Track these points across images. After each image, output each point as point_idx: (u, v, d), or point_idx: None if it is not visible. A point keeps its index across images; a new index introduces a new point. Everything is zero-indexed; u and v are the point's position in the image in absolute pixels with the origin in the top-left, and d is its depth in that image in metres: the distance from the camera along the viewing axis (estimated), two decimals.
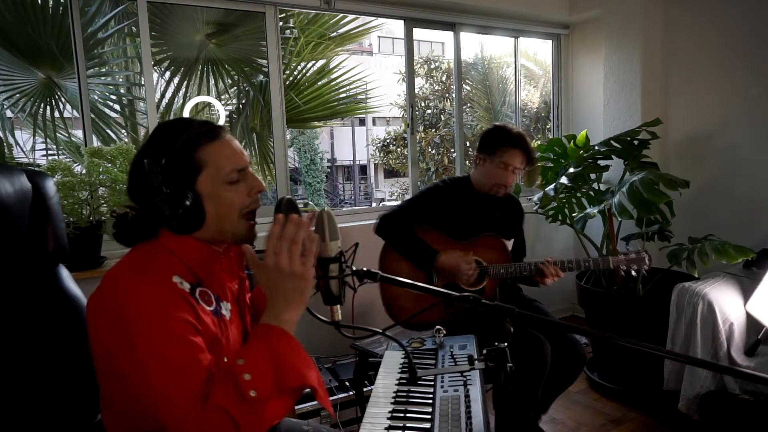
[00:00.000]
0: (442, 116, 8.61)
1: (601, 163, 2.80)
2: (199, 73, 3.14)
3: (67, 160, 2.28)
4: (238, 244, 1.02)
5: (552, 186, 2.92)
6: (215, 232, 0.98)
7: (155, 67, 2.89)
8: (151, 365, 0.83)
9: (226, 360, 0.97)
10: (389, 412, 1.06)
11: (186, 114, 2.65)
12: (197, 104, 2.86)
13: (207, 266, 0.98)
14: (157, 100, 2.70)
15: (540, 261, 1.99)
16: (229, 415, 0.79)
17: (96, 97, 2.77)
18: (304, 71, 3.62)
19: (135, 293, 0.86)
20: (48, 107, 2.63)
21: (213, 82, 3.21)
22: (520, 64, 3.97)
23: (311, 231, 0.90)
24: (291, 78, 3.56)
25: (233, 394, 0.80)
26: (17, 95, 2.55)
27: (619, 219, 2.50)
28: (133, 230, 0.96)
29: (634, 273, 2.02)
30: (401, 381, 1.21)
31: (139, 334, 0.84)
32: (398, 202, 2.60)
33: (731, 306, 2.13)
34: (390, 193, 12.29)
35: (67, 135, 2.74)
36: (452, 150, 7.75)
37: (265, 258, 0.88)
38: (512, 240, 2.19)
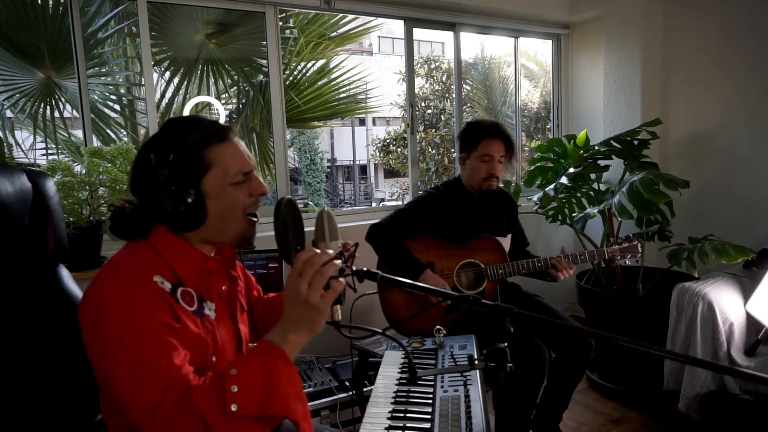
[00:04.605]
0: (442, 116, 8.61)
1: (601, 163, 2.80)
2: (199, 73, 3.14)
3: (67, 160, 2.28)
4: (239, 242, 1.03)
5: (552, 186, 2.92)
6: (215, 232, 0.99)
7: (155, 67, 2.89)
8: (122, 362, 0.84)
9: (214, 359, 0.98)
10: (389, 412, 1.06)
11: (186, 114, 2.67)
12: (197, 104, 2.86)
13: (191, 267, 0.98)
14: (157, 100, 2.70)
15: (552, 256, 2.01)
16: (204, 420, 0.78)
17: (96, 97, 2.77)
18: (304, 71, 3.62)
19: (113, 294, 0.88)
20: (48, 107, 2.63)
21: (213, 82, 3.21)
22: (520, 64, 3.97)
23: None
24: (291, 78, 3.56)
25: (215, 401, 0.79)
26: (17, 95, 2.55)
27: (619, 219, 2.50)
28: (130, 224, 0.97)
29: (628, 262, 2.07)
30: (401, 381, 1.21)
31: (112, 332, 0.85)
32: (399, 203, 2.60)
33: (731, 306, 2.13)
34: (390, 194, 12.29)
35: (67, 135, 2.74)
36: (452, 150, 7.75)
37: (289, 275, 0.87)
38: (509, 236, 2.19)
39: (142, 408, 0.81)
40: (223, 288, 1.06)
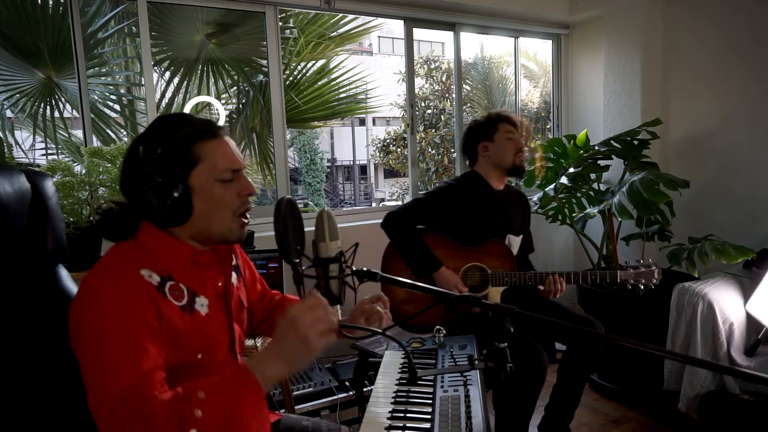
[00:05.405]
0: (442, 116, 8.60)
1: (601, 163, 2.80)
2: (199, 73, 3.14)
3: (67, 160, 2.28)
4: (228, 242, 1.02)
5: (552, 186, 2.92)
6: (201, 229, 0.98)
7: (155, 67, 2.89)
8: (91, 357, 0.84)
9: (200, 356, 0.97)
10: (389, 412, 1.06)
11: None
12: (197, 104, 2.85)
13: (179, 260, 0.98)
14: (157, 100, 2.69)
15: (547, 272, 1.93)
16: None
17: (96, 97, 2.77)
18: (304, 71, 3.62)
19: (96, 289, 0.88)
20: (48, 107, 2.63)
21: (213, 82, 3.21)
22: (520, 64, 3.97)
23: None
24: (291, 78, 3.56)
25: (176, 422, 0.76)
26: (17, 95, 2.55)
27: (619, 219, 2.50)
28: (118, 224, 0.97)
29: (642, 287, 1.92)
30: (401, 381, 1.20)
31: (89, 327, 0.85)
32: (399, 203, 2.59)
33: (731, 306, 2.13)
34: (390, 194, 12.29)
35: (67, 135, 2.74)
36: (452, 150, 7.74)
37: (294, 307, 0.84)
38: (521, 236, 2.18)
39: (99, 407, 0.81)
40: (219, 284, 1.05)
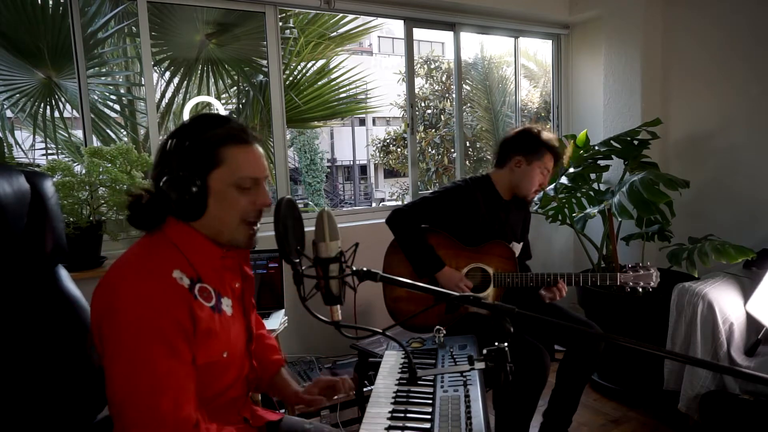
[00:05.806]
0: (442, 116, 8.61)
1: (601, 163, 2.80)
2: (199, 73, 3.14)
3: (67, 160, 2.28)
4: (236, 247, 1.03)
5: (552, 186, 2.92)
6: (213, 231, 0.99)
7: (155, 67, 2.89)
8: (125, 362, 0.85)
9: (226, 355, 0.98)
10: (389, 412, 1.06)
11: (186, 114, 2.68)
12: (197, 104, 2.85)
13: (209, 262, 0.99)
14: (157, 100, 2.69)
15: (548, 273, 1.93)
16: None
17: (96, 97, 2.77)
18: (304, 71, 3.62)
19: (129, 288, 0.88)
20: (48, 107, 2.63)
21: (213, 82, 3.21)
22: (520, 64, 3.97)
23: None
24: (291, 78, 3.56)
25: None
26: (17, 95, 2.55)
27: (619, 219, 2.50)
28: (146, 213, 0.98)
29: (640, 289, 1.93)
30: (401, 381, 1.21)
31: (122, 328, 0.86)
32: (399, 203, 2.58)
33: (731, 306, 2.12)
34: (390, 194, 12.30)
35: (67, 135, 2.74)
36: (452, 150, 7.74)
37: None
38: (521, 243, 2.18)
39: (132, 414, 0.84)
40: (237, 285, 1.07)
